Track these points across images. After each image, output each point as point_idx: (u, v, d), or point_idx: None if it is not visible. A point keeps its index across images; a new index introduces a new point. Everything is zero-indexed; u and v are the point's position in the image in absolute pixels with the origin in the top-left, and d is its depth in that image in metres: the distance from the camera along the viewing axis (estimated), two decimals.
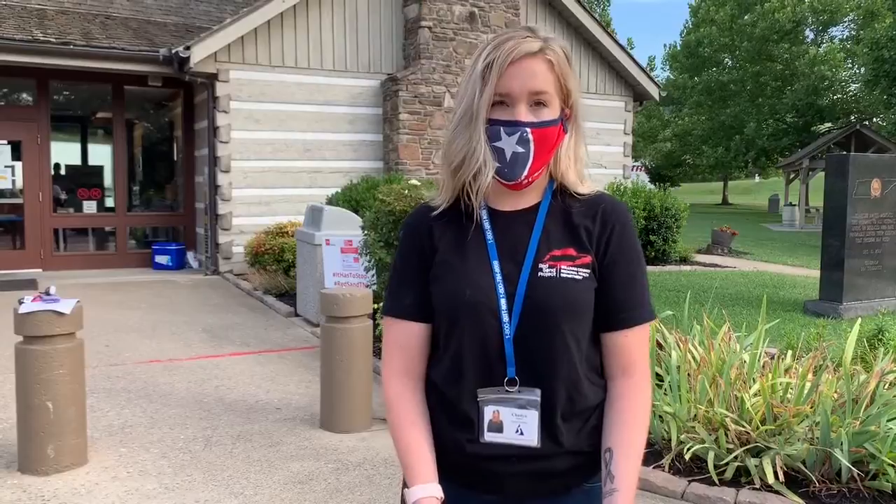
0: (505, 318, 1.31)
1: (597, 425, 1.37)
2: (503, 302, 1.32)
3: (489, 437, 1.33)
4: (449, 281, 1.35)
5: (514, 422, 1.32)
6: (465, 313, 1.32)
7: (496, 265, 1.34)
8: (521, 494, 1.35)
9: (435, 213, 1.41)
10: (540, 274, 1.32)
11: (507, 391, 1.32)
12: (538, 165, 1.33)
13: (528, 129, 1.30)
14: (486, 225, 1.37)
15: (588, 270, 1.34)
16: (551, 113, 1.32)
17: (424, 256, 1.40)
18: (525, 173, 1.33)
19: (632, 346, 1.36)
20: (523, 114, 1.30)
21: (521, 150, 1.31)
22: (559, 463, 1.34)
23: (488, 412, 1.33)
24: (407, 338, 1.40)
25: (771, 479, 3.36)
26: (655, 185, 12.66)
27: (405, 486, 1.37)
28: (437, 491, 1.30)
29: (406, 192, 6.11)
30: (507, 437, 1.32)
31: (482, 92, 1.30)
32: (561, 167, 1.38)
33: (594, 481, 1.38)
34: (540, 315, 1.31)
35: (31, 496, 3.46)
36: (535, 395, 1.32)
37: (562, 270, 1.32)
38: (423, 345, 1.40)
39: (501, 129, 1.31)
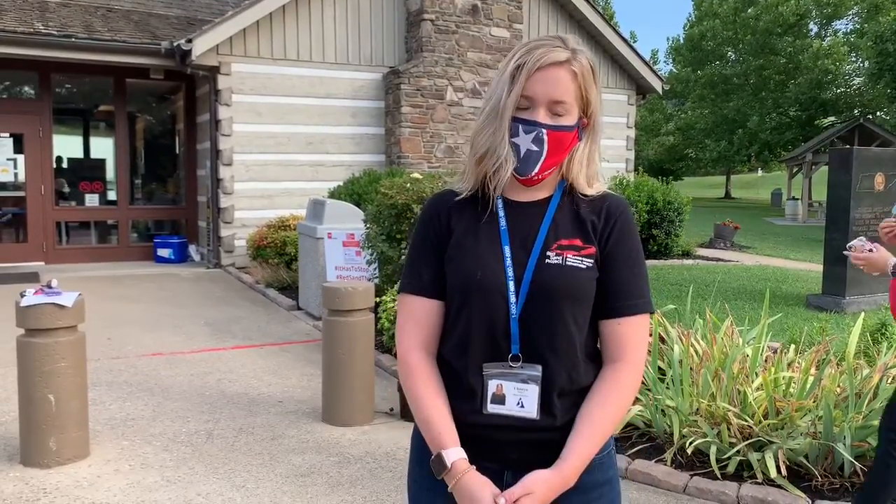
0: (512, 298, 1.41)
1: None
2: (511, 284, 1.42)
3: (492, 408, 1.42)
4: (463, 262, 1.45)
5: (516, 395, 1.41)
6: (475, 293, 1.42)
7: (507, 250, 1.44)
8: (520, 462, 1.41)
9: (456, 198, 1.51)
10: (547, 261, 1.42)
11: (510, 366, 1.41)
12: (549, 165, 1.45)
13: (545, 131, 1.41)
14: (501, 213, 1.48)
15: (592, 261, 1.44)
16: (568, 120, 1.43)
17: (441, 238, 1.50)
18: (536, 170, 1.44)
19: (624, 335, 1.44)
20: (542, 116, 1.41)
21: (535, 148, 1.42)
22: (553, 435, 1.41)
23: (492, 385, 1.42)
24: (424, 314, 1.48)
25: (773, 474, 3.35)
26: (658, 178, 12.60)
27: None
28: (465, 454, 1.40)
29: (408, 185, 6.09)
30: (509, 409, 1.41)
31: (510, 92, 1.42)
32: (573, 171, 1.49)
33: None
34: (544, 298, 1.40)
35: (33, 489, 3.47)
36: (537, 370, 1.41)
37: (567, 259, 1.42)
38: (438, 321, 1.49)
39: (520, 126, 1.42)
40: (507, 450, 1.42)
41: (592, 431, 1.39)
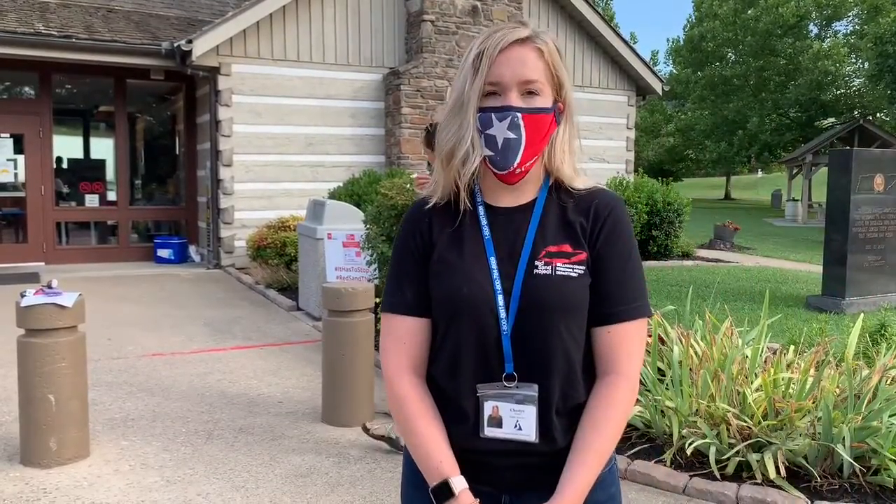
0: (502, 314, 1.32)
1: None
2: (500, 298, 1.32)
3: (489, 432, 1.33)
4: (447, 278, 1.35)
5: (513, 417, 1.32)
6: (463, 310, 1.33)
7: (493, 262, 1.34)
8: (518, 485, 1.36)
9: (429, 206, 1.41)
10: (536, 271, 1.32)
11: (505, 386, 1.32)
12: (530, 153, 1.33)
13: (519, 115, 1.30)
14: (483, 221, 1.38)
15: (583, 268, 1.33)
16: (543, 101, 1.33)
17: (423, 252, 1.40)
18: (517, 161, 1.32)
19: (614, 344, 1.33)
20: (514, 99, 1.31)
21: (512, 135, 1.31)
22: (551, 457, 1.33)
23: (488, 407, 1.33)
24: (411, 334, 1.39)
25: (772, 475, 3.36)
26: (658, 179, 12.60)
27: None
28: (466, 483, 1.32)
29: (408, 186, 6.09)
30: (507, 431, 1.32)
31: (473, 81, 1.32)
32: (556, 161, 1.38)
33: None
34: (536, 312, 1.31)
35: (34, 489, 3.47)
36: (533, 390, 1.32)
37: (557, 268, 1.32)
38: (425, 340, 1.40)
39: (493, 115, 1.31)
40: (506, 473, 1.35)
41: (591, 457, 1.29)
